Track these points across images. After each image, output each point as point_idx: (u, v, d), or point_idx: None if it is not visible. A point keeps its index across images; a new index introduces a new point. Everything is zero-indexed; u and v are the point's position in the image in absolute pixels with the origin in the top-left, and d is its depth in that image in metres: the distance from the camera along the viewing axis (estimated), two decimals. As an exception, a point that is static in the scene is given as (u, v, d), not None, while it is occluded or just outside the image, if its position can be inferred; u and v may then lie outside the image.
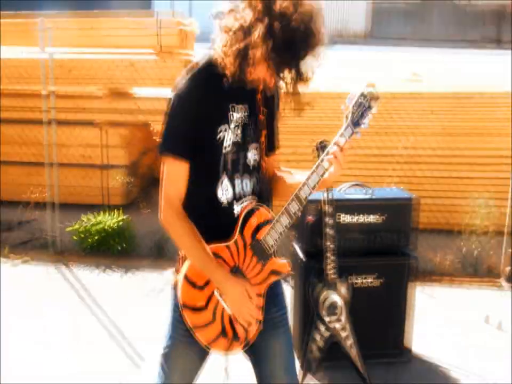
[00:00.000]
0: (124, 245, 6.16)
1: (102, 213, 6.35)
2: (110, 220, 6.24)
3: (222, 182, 2.48)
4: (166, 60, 6.97)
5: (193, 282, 2.47)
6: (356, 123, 2.36)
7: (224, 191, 2.48)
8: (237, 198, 2.50)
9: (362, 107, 2.36)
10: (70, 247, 6.32)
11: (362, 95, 2.37)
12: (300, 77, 2.36)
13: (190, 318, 2.47)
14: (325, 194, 3.90)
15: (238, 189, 2.51)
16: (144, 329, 4.62)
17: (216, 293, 2.47)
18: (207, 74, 2.41)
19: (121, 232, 6.21)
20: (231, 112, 2.46)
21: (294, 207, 2.44)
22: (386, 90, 6.86)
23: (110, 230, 6.18)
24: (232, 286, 2.44)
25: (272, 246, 2.49)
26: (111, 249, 6.17)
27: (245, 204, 2.51)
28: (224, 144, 2.45)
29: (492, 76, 8.79)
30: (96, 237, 6.17)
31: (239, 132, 2.47)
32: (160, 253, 5.95)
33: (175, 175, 2.45)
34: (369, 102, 2.36)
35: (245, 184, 2.52)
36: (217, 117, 2.43)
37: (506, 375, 4.31)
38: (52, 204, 6.33)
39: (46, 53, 6.18)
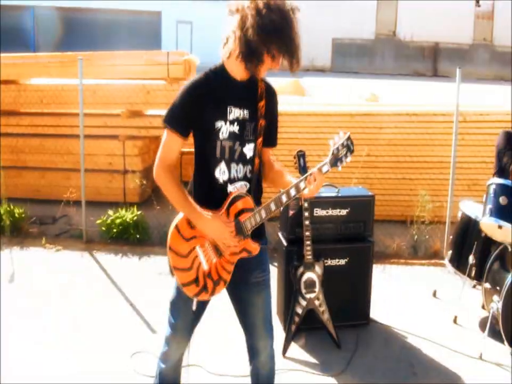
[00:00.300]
0: (139, 236, 6.07)
1: (122, 209, 6.25)
2: (128, 215, 6.15)
3: (220, 166, 2.50)
4: (173, 85, 6.93)
5: (181, 233, 2.50)
6: (339, 159, 2.42)
7: (221, 173, 2.51)
8: (231, 180, 2.52)
9: (348, 149, 2.43)
10: (96, 237, 6.21)
11: (349, 139, 2.43)
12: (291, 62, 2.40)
13: (172, 260, 2.52)
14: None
15: (233, 173, 2.52)
16: (157, 304, 4.47)
17: (197, 249, 2.51)
18: (211, 76, 2.48)
19: (137, 225, 6.12)
20: (228, 112, 2.47)
21: (273, 207, 2.48)
22: (348, 109, 6.85)
23: (128, 222, 6.10)
24: (210, 223, 2.46)
25: (249, 229, 2.50)
26: (130, 239, 6.07)
27: (237, 185, 2.53)
28: (221, 134, 2.47)
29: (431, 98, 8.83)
30: (117, 229, 6.08)
31: (236, 128, 2.48)
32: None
33: (169, 143, 2.51)
34: (351, 147, 2.44)
35: (239, 170, 2.53)
36: (215, 112, 2.46)
37: (444, 334, 4.29)
38: (82, 202, 6.22)
39: (81, 82, 6.16)
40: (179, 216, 2.52)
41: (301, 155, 3.44)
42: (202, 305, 2.64)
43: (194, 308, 2.57)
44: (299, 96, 9.25)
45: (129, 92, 7.06)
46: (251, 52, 2.34)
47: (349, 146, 2.43)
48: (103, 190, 7.09)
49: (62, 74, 7.26)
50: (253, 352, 2.74)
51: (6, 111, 7.40)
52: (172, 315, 2.67)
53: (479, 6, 29.27)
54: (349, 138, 2.43)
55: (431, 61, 29.18)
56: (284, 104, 7.27)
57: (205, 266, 2.51)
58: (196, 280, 2.52)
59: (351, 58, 28.93)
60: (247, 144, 2.52)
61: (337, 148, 2.41)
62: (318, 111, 6.79)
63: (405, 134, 6.62)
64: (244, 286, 2.63)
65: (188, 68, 7.09)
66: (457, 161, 5.84)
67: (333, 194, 4.34)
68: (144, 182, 6.62)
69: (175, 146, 2.51)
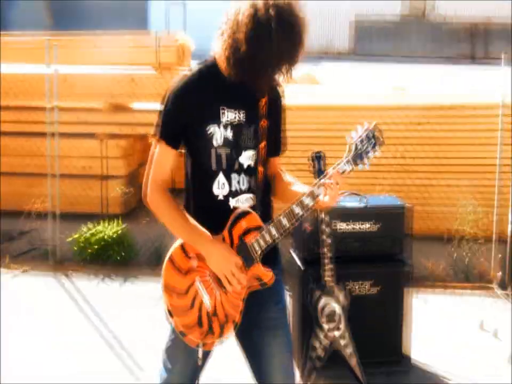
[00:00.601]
0: (123, 254, 6.06)
1: (101, 222, 6.25)
2: (109, 230, 6.13)
3: (218, 179, 2.48)
4: (164, 75, 6.97)
5: (177, 266, 2.48)
6: (365, 153, 2.39)
7: (220, 187, 2.49)
8: (233, 193, 2.49)
9: (375, 141, 2.39)
10: (69, 257, 6.20)
11: (376, 129, 2.39)
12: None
13: (168, 300, 2.48)
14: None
15: (234, 185, 2.49)
16: (144, 339, 4.50)
17: (197, 283, 2.46)
18: (202, 74, 2.48)
19: (120, 241, 6.11)
20: (221, 114, 2.46)
21: (285, 222, 2.42)
22: (373, 102, 6.82)
23: (109, 239, 6.08)
24: (216, 249, 2.42)
25: (258, 252, 2.44)
26: (111, 258, 6.06)
27: (241, 199, 2.50)
28: (215, 141, 2.46)
29: (470, 89, 8.85)
30: (95, 247, 6.06)
31: (230, 133, 2.47)
32: (159, 261, 5.66)
33: (161, 159, 2.50)
34: (380, 138, 2.39)
35: (242, 181, 2.50)
36: (206, 115, 2.46)
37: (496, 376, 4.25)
38: (52, 214, 6.22)
39: (51, 69, 6.15)
40: (173, 247, 2.50)
41: (317, 157, 3.42)
42: (207, 352, 2.56)
43: (200, 356, 2.50)
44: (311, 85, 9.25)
45: (111, 81, 7.08)
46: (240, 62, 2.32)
47: (376, 138, 2.39)
48: (78, 199, 7.07)
49: (26, 60, 7.28)
50: None
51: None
52: (166, 366, 2.60)
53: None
54: (375, 127, 2.37)
55: (470, 43, 29.24)
56: (295, 96, 7.25)
57: (208, 304, 2.46)
58: (199, 322, 2.47)
59: (375, 40, 29.01)
60: (243, 152, 2.49)
61: (361, 141, 2.37)
62: (337, 104, 6.78)
63: (445, 132, 6.60)
64: (254, 327, 2.55)
65: (181, 53, 7.14)
66: (503, 163, 5.79)
67: (358, 205, 4.31)
68: (129, 189, 6.61)
69: (168, 162, 2.51)
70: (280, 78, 2.46)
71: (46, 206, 6.21)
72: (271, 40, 2.27)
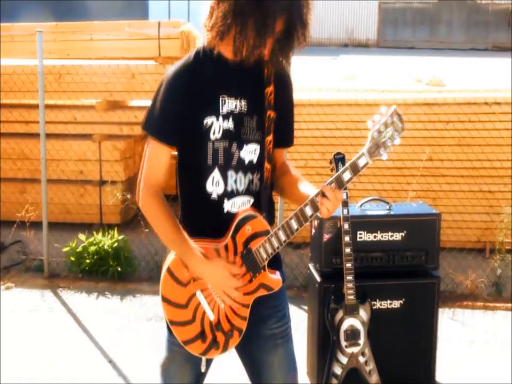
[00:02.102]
0: (121, 268, 6.11)
1: (98, 232, 6.31)
2: (107, 240, 6.19)
3: (213, 175, 2.50)
4: (166, 67, 6.91)
5: (176, 277, 2.53)
6: (382, 144, 2.32)
7: (214, 185, 2.51)
8: (228, 193, 2.51)
9: (394, 129, 2.32)
10: (62, 270, 6.26)
11: (395, 115, 2.31)
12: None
13: (167, 313, 2.55)
14: (342, 211, 3.84)
15: (230, 184, 2.51)
16: (145, 358, 4.57)
17: (198, 295, 2.52)
18: (198, 58, 2.48)
19: (118, 254, 6.17)
20: (221, 104, 2.46)
21: (294, 225, 2.43)
22: (402, 97, 6.85)
23: (106, 251, 6.14)
24: (210, 269, 2.46)
25: (265, 259, 2.49)
26: (108, 272, 6.11)
27: (237, 201, 2.52)
28: (212, 134, 2.47)
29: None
30: (91, 259, 6.12)
31: (231, 124, 2.48)
32: (160, 277, 5.79)
33: (154, 157, 2.52)
34: (399, 124, 2.32)
35: (240, 181, 2.52)
36: (203, 105, 2.46)
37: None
38: (43, 224, 6.25)
39: (41, 63, 6.16)
40: (171, 256, 2.55)
41: (339, 158, 3.45)
42: (209, 360, 2.66)
43: (203, 369, 2.60)
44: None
45: (108, 75, 7.12)
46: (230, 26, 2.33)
47: (395, 124, 2.31)
48: (72, 207, 7.17)
49: (13, 53, 7.34)
50: None
51: None
52: (164, 382, 2.69)
53: None
54: (395, 112, 2.32)
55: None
56: (314, 91, 7.31)
57: (211, 316, 2.53)
58: (202, 335, 2.53)
59: (405, 28, 28.95)
60: (245, 146, 2.51)
61: (378, 130, 2.32)
62: (360, 99, 6.82)
63: (482, 131, 6.59)
64: (255, 340, 2.63)
65: (186, 43, 7.12)
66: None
67: (384, 213, 4.34)
68: (128, 196, 6.65)
69: (162, 160, 2.52)
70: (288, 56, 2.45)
71: (36, 215, 6.27)
72: None
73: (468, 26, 29.32)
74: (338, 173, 2.37)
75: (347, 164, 2.37)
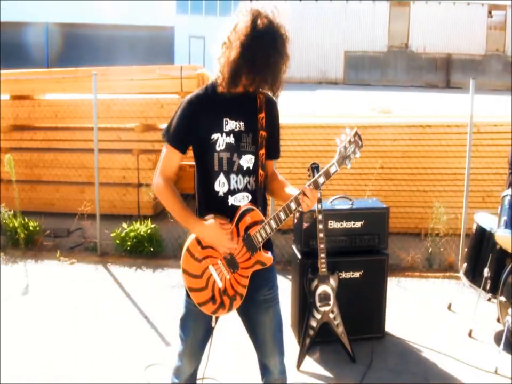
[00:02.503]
0: (153, 249, 6.09)
1: (136, 222, 6.27)
2: (143, 228, 6.16)
3: (219, 178, 2.50)
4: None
5: (193, 254, 2.52)
6: (347, 157, 2.41)
7: (220, 186, 2.50)
8: (231, 191, 2.51)
9: (356, 145, 2.41)
10: (110, 250, 6.23)
11: (356, 135, 2.40)
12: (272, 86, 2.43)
13: (187, 281, 2.54)
14: (317, 206, 3.83)
15: (232, 184, 2.51)
16: (170, 317, 4.50)
17: (210, 268, 2.51)
18: (208, 90, 2.50)
19: (151, 238, 6.13)
20: (224, 124, 2.48)
21: (282, 216, 2.47)
22: (361, 121, 6.85)
23: (142, 236, 6.11)
24: (206, 228, 2.47)
25: (260, 241, 2.50)
26: (144, 252, 6.08)
27: (238, 197, 2.51)
28: (217, 146, 2.47)
29: (445, 110, 8.75)
30: (132, 242, 6.09)
31: (232, 139, 2.48)
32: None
33: (168, 157, 2.55)
34: (359, 142, 2.41)
35: (239, 182, 2.52)
36: (211, 125, 2.48)
37: (459, 348, 4.24)
38: (96, 215, 6.23)
39: (96, 97, 6.19)
40: (190, 238, 2.54)
41: (315, 167, 3.44)
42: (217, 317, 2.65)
43: (214, 324, 2.60)
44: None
45: (143, 106, 7.14)
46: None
47: (356, 142, 2.40)
48: (117, 203, 7.15)
49: (76, 89, 7.37)
50: (264, 370, 2.74)
51: (21, 126, 7.55)
52: (182, 332, 2.68)
53: (491, 17, 29.26)
54: (356, 133, 2.39)
55: (444, 72, 29.13)
56: (296, 117, 7.31)
57: (219, 284, 2.52)
58: (213, 298, 2.53)
59: (364, 70, 28.96)
60: (243, 156, 2.51)
61: (344, 146, 2.39)
62: (331, 123, 6.80)
63: (419, 146, 6.59)
64: (251, 304, 2.63)
65: (201, 81, 7.13)
66: (471, 172, 5.81)
67: (347, 207, 4.33)
68: (157, 195, 6.63)
69: (173, 161, 2.55)
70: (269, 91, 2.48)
71: (92, 209, 6.27)
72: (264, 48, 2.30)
73: (408, 70, 29.33)
74: (316, 177, 2.44)
75: (321, 171, 2.44)
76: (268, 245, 2.59)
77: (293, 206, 2.44)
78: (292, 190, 2.54)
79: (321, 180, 2.44)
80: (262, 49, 2.31)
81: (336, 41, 27.50)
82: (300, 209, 2.46)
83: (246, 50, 2.31)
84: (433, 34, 27.82)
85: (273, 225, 2.48)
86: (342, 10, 28.00)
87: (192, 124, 2.47)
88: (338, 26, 27.50)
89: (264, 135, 2.53)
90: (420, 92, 22.73)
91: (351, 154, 2.40)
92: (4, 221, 6.26)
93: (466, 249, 4.86)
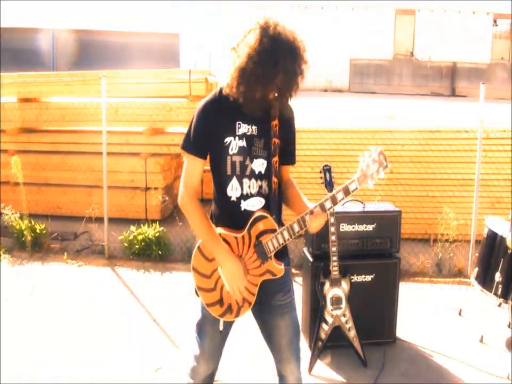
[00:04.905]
0: (161, 252, 6.06)
1: (144, 225, 6.25)
2: (151, 231, 6.14)
3: (232, 183, 2.47)
4: (195, 103, 6.95)
5: (203, 254, 2.50)
6: (370, 176, 2.32)
7: (233, 190, 2.47)
8: (244, 196, 2.47)
9: (380, 165, 2.31)
10: (118, 253, 6.21)
11: (381, 154, 2.31)
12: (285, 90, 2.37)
13: (196, 280, 2.53)
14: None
15: (245, 189, 2.47)
16: (179, 319, 4.52)
17: (219, 270, 2.47)
18: (221, 96, 2.45)
19: (159, 241, 6.11)
20: (237, 127, 2.45)
21: (296, 228, 2.43)
22: (370, 126, 6.84)
23: (150, 239, 6.09)
24: (229, 263, 2.42)
25: (272, 250, 2.46)
26: (152, 255, 6.06)
27: (251, 202, 2.48)
28: (230, 150, 2.45)
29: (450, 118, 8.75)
30: (140, 245, 6.07)
31: (244, 143, 2.45)
32: (191, 258, 5.74)
33: (190, 168, 2.51)
34: (384, 163, 2.31)
35: (252, 186, 2.48)
36: (224, 129, 2.45)
37: (470, 353, 4.21)
38: (104, 218, 6.22)
39: (104, 100, 6.18)
40: None
41: (326, 169, 3.44)
42: (229, 324, 2.63)
43: (221, 328, 2.56)
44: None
45: (152, 109, 7.12)
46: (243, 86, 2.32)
47: (381, 162, 2.31)
48: (125, 206, 7.13)
49: (84, 92, 7.36)
50: (280, 376, 2.71)
51: (28, 128, 7.54)
52: (199, 336, 2.64)
53: (496, 25, 29.27)
54: (381, 153, 2.31)
55: (449, 80, 29.11)
56: (306, 121, 7.29)
57: (228, 287, 2.48)
58: (220, 301, 2.51)
59: (369, 78, 28.96)
60: (255, 160, 2.48)
61: (367, 164, 2.31)
62: (341, 128, 6.79)
63: (428, 151, 6.57)
64: (267, 309, 2.60)
65: (209, 85, 7.13)
66: (480, 178, 5.78)
67: (359, 210, 4.31)
68: (166, 198, 6.62)
69: (196, 170, 2.51)
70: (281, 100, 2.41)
71: (99, 212, 6.25)
72: (276, 57, 2.25)
73: (414, 78, 29.30)
74: (333, 192, 2.38)
75: (340, 187, 2.37)
76: (282, 256, 2.55)
77: (307, 219, 2.40)
78: (305, 203, 2.49)
79: (339, 196, 2.37)
80: (272, 61, 2.27)
81: (342, 49, 27.51)
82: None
83: (253, 62, 2.27)
84: (439, 42, 27.81)
85: (286, 236, 2.44)
86: (347, 18, 28.03)
87: (208, 127, 2.45)
88: (344, 34, 27.50)
89: (277, 142, 2.50)
90: (425, 99, 22.70)
91: (373, 173, 2.31)
92: (11, 223, 6.25)
93: (477, 254, 4.82)
